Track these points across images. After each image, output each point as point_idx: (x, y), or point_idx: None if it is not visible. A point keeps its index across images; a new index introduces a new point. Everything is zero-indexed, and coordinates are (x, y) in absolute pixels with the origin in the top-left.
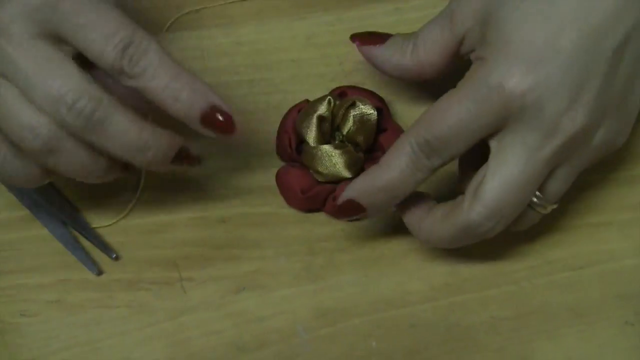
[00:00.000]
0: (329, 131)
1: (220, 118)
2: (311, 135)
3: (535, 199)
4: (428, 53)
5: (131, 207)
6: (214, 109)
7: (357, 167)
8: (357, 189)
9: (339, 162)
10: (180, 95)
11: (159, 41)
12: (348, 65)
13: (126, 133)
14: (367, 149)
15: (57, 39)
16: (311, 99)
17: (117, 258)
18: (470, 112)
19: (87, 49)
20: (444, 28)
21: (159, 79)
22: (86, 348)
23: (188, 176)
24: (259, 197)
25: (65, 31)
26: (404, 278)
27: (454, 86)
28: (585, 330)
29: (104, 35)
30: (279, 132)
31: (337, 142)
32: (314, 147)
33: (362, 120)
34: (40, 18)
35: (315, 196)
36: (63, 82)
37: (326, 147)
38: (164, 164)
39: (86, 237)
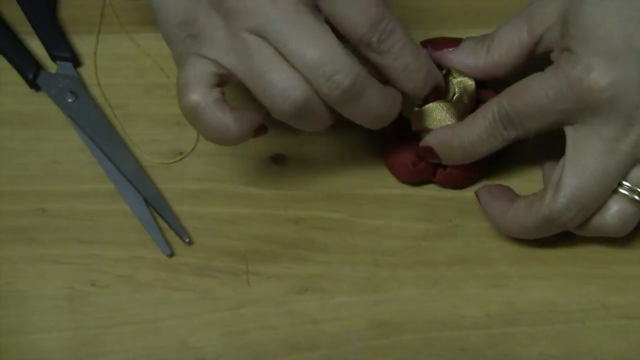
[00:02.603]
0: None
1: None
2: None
3: (623, 190)
4: (503, 54)
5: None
6: (436, 88)
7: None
8: (437, 140)
9: (449, 114)
10: (417, 76)
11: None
12: None
13: (377, 107)
14: None
15: (314, 7)
16: None
17: (190, 242)
18: (549, 97)
19: (339, 20)
20: (522, 29)
21: (401, 59)
22: (147, 326)
23: (269, 171)
24: (335, 202)
25: (321, 2)
26: (461, 302)
27: None
28: None
29: (360, 10)
30: None
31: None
32: (421, 108)
33: (464, 88)
34: None
35: (425, 169)
36: (325, 51)
37: (434, 103)
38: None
39: (164, 218)
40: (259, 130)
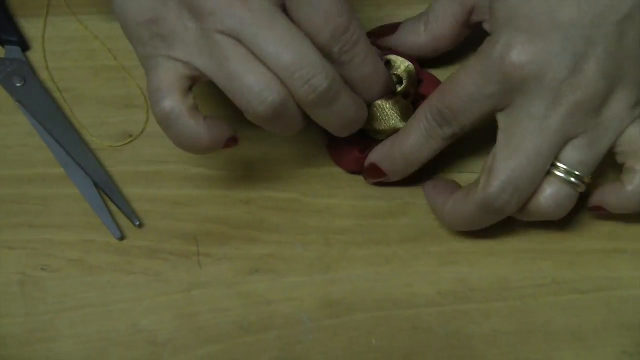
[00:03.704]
0: None
1: None
2: None
3: (557, 172)
4: (440, 27)
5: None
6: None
7: (410, 115)
8: (379, 155)
9: (393, 113)
10: (375, 88)
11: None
12: None
13: (348, 113)
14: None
15: (283, 8)
16: None
17: (140, 225)
18: (477, 84)
19: (304, 25)
20: (455, 1)
21: (361, 71)
22: (98, 310)
23: (219, 152)
24: (285, 182)
25: (289, 4)
26: (413, 280)
27: None
28: (583, 355)
29: (325, 18)
30: None
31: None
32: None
33: (406, 74)
34: None
35: None
36: (301, 54)
37: (378, 102)
38: None
39: (114, 202)
40: (230, 142)
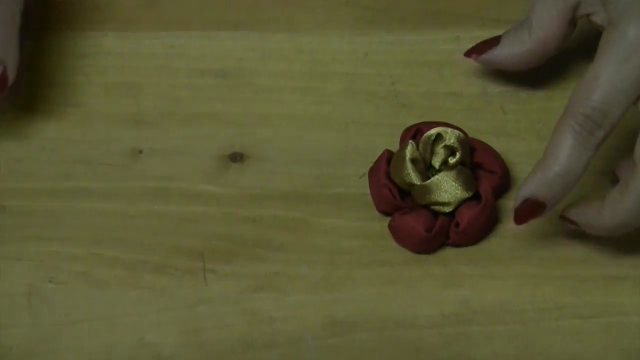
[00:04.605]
0: (423, 170)
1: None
2: (414, 177)
3: None
4: (546, 29)
5: None
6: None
7: (473, 184)
8: (532, 186)
9: (457, 184)
10: None
11: None
12: (400, 86)
13: None
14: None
15: None
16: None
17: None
18: (620, 71)
19: None
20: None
21: None
22: (104, 323)
23: (227, 170)
24: (292, 202)
25: None
26: (416, 301)
27: None
28: None
29: None
30: (374, 189)
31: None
32: (425, 183)
33: (458, 142)
34: None
35: (440, 231)
36: None
37: (438, 176)
38: None
39: None
40: None
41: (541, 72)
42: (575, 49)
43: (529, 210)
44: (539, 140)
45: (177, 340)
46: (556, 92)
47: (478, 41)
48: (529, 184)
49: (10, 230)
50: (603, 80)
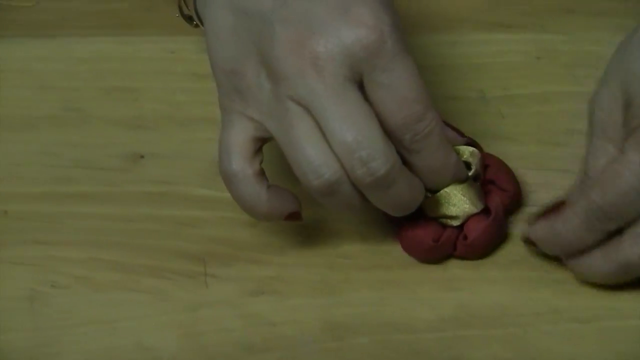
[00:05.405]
0: None
1: None
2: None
3: None
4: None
5: None
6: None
7: (482, 199)
8: (538, 237)
9: (466, 199)
10: (441, 179)
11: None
12: None
13: (404, 197)
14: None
15: (360, 84)
16: None
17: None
18: None
19: (377, 105)
20: (604, 144)
21: (428, 161)
22: (103, 327)
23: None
24: None
25: (366, 82)
26: (415, 305)
27: None
28: None
29: (401, 102)
30: None
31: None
32: (434, 196)
33: (472, 158)
34: (353, 63)
35: (446, 242)
36: (364, 135)
37: (447, 189)
38: None
39: None
40: (292, 216)
41: (539, 76)
42: (575, 53)
43: (533, 244)
44: (537, 144)
45: (176, 344)
46: (554, 96)
47: (475, 45)
48: (536, 231)
49: (11, 234)
50: (624, 181)
